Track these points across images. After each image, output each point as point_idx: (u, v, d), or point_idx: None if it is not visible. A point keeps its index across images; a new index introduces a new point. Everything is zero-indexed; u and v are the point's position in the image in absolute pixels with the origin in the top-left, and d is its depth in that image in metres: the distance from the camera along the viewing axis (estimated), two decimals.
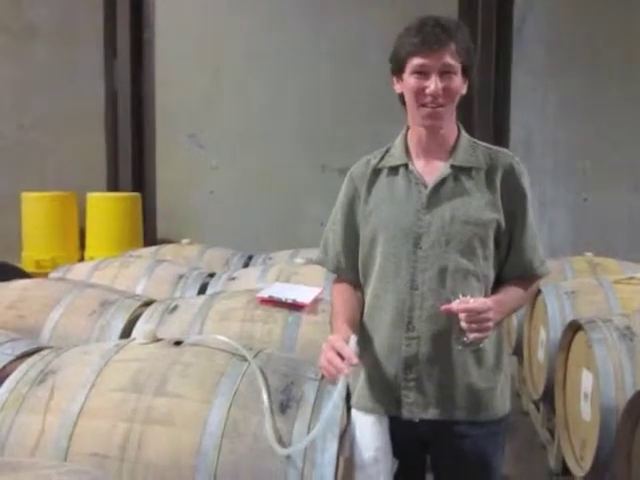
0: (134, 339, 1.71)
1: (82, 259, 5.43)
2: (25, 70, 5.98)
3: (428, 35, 1.42)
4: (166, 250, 4.31)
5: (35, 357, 1.62)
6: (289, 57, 5.92)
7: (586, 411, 2.44)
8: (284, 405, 1.42)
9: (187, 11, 6.10)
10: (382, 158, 1.58)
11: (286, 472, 1.33)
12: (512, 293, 1.52)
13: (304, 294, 2.28)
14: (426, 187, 1.49)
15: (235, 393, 1.42)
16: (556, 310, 3.05)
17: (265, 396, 1.40)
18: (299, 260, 3.47)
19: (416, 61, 1.44)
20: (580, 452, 2.51)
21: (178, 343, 1.61)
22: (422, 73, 1.44)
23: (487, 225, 1.48)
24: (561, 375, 2.79)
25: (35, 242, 5.59)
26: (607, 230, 5.52)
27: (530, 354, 3.60)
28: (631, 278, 3.07)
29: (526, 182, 1.54)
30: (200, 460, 1.34)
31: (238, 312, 2.23)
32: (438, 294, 1.46)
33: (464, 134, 1.57)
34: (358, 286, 1.61)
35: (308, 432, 1.36)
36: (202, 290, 3.12)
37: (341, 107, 5.87)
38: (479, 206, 1.47)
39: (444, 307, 1.38)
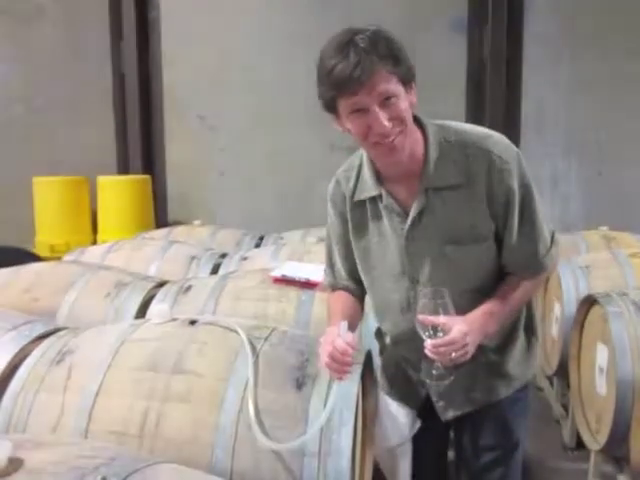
0: (149, 319, 1.72)
1: (95, 242, 5.46)
2: (32, 54, 5.96)
3: (349, 66, 1.19)
4: (178, 232, 4.33)
5: (52, 338, 1.64)
6: (297, 36, 5.84)
7: (601, 385, 2.43)
8: (300, 382, 1.43)
9: None
10: (355, 187, 1.44)
11: (303, 448, 1.34)
12: (509, 292, 1.41)
13: (317, 272, 2.27)
14: (407, 215, 1.38)
15: (251, 370, 1.42)
16: (570, 285, 3.03)
17: (251, 385, 1.39)
18: (311, 239, 3.46)
19: (347, 101, 1.24)
20: (595, 426, 2.52)
21: (193, 322, 1.62)
22: (360, 110, 1.24)
23: (480, 240, 1.38)
24: (575, 350, 2.78)
25: (48, 227, 5.63)
26: (622, 204, 5.44)
27: (544, 330, 3.58)
28: None
29: (512, 177, 1.33)
30: (218, 436, 1.36)
31: (251, 291, 2.23)
32: None
33: (431, 140, 1.34)
34: (362, 295, 1.59)
35: (324, 409, 1.37)
36: (215, 271, 3.13)
37: None
38: (466, 224, 1.36)
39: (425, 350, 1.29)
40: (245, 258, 3.14)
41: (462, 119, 5.73)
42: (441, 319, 1.28)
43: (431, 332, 1.29)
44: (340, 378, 1.30)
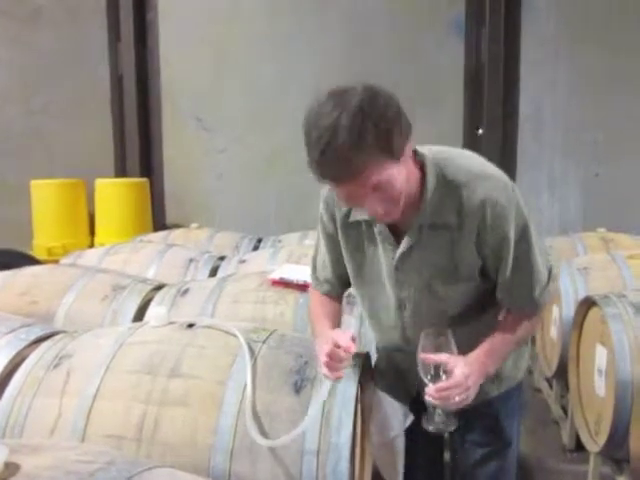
0: (147, 322, 1.71)
1: (92, 245, 5.46)
2: (30, 56, 5.96)
3: (331, 169, 1.14)
4: (176, 235, 4.32)
5: (49, 342, 1.63)
6: (294, 37, 5.85)
7: (600, 387, 2.43)
8: (298, 385, 1.42)
9: None
10: (349, 208, 1.38)
11: (302, 450, 1.33)
12: (508, 331, 1.38)
13: None
14: (399, 244, 1.35)
15: (249, 373, 1.42)
16: (569, 287, 3.03)
17: (250, 387, 1.38)
18: (309, 242, 3.46)
19: (334, 188, 1.21)
20: (594, 428, 2.51)
21: (191, 325, 1.61)
22: (352, 196, 1.20)
23: (467, 279, 1.36)
24: (574, 352, 2.77)
25: (45, 229, 5.62)
26: (620, 205, 5.45)
27: (542, 332, 3.58)
28: None
29: (508, 223, 1.29)
30: (217, 440, 1.35)
31: (250, 294, 2.23)
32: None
33: (430, 177, 1.29)
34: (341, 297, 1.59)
35: (323, 412, 1.36)
36: (213, 273, 3.12)
37: None
38: (453, 263, 1.34)
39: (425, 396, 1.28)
40: (243, 261, 3.14)
41: (460, 119, 5.75)
42: (443, 357, 1.27)
43: (433, 374, 1.28)
44: (338, 377, 1.29)
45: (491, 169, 1.34)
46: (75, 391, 1.45)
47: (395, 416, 1.56)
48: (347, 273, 1.51)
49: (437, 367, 1.28)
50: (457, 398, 1.26)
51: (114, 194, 5.64)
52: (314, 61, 5.83)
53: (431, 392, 1.27)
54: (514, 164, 5.75)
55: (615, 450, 2.33)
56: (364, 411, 1.62)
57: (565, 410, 3.14)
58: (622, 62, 5.42)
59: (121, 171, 6.24)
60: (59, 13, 6.01)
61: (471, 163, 1.34)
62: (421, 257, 1.35)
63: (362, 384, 1.57)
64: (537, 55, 5.66)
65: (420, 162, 1.31)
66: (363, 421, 1.61)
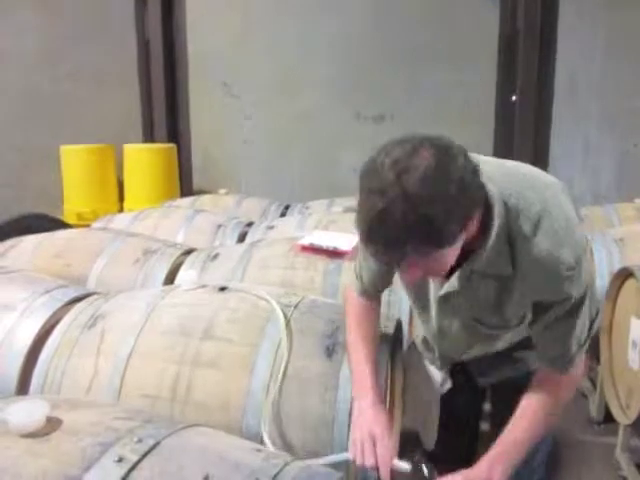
0: (179, 286, 1.72)
1: (121, 211, 5.51)
2: (57, 21, 5.94)
3: (383, 257, 1.06)
4: (204, 200, 4.33)
5: (84, 302, 1.66)
6: (322, 3, 5.72)
7: (634, 359, 2.39)
8: (330, 350, 1.42)
9: None
10: None
11: (334, 415, 1.34)
12: (527, 423, 1.27)
13: (344, 241, 2.25)
14: (447, 279, 1.25)
15: (284, 338, 1.42)
16: (603, 258, 2.95)
17: (284, 352, 1.38)
18: (336, 208, 3.43)
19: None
20: (626, 400, 2.48)
21: (222, 289, 1.61)
22: None
23: (507, 326, 1.32)
24: (607, 323, 2.72)
25: (75, 195, 5.69)
26: None
27: None
28: None
29: (573, 284, 1.16)
30: (248, 402, 1.36)
31: (279, 260, 2.22)
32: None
33: (494, 229, 1.12)
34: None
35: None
36: (241, 239, 3.12)
37: (375, 54, 5.69)
38: (496, 310, 1.27)
39: None
40: (271, 227, 3.13)
41: (493, 86, 5.59)
42: None
43: None
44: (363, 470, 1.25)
45: (565, 216, 1.16)
46: (110, 351, 1.48)
47: (436, 377, 1.55)
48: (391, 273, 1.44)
49: None
50: None
51: (142, 160, 5.66)
52: (342, 28, 5.70)
53: None
54: (548, 131, 5.58)
55: None
56: (394, 379, 1.61)
57: (593, 383, 3.10)
58: None
59: (149, 137, 6.25)
60: None
61: (542, 207, 1.14)
62: (466, 299, 1.28)
63: (393, 355, 1.56)
64: (574, 22, 5.43)
65: (486, 206, 1.12)
66: (393, 389, 1.61)
